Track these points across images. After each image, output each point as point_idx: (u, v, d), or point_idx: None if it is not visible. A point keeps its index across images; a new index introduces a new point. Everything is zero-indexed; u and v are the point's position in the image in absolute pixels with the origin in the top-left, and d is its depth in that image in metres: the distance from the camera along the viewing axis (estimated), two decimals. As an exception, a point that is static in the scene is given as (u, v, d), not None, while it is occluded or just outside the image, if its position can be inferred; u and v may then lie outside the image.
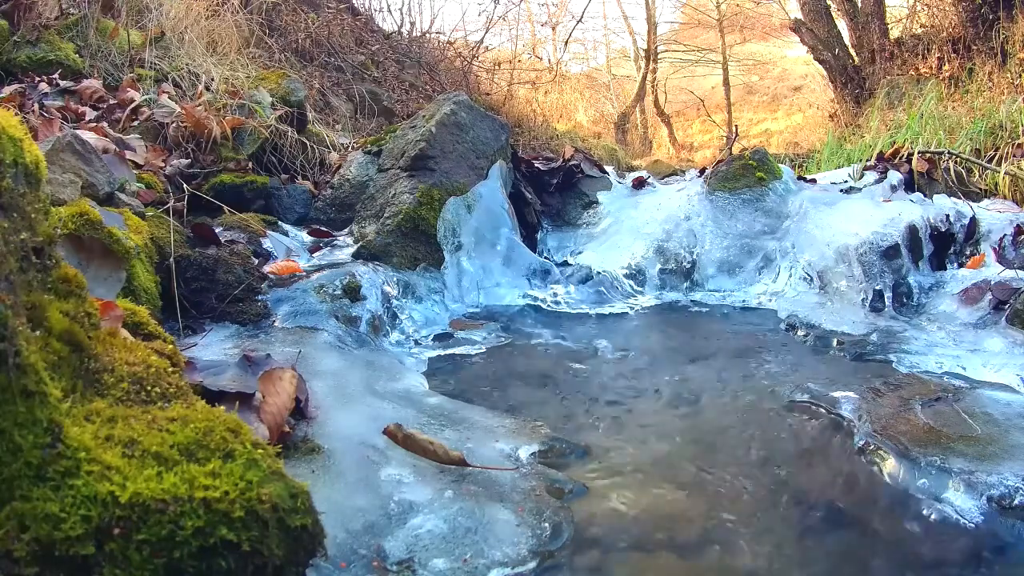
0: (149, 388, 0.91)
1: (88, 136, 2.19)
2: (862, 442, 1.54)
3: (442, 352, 2.17)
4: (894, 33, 8.97)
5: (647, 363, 2.12)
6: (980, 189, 3.44)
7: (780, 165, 3.36)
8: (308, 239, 2.83)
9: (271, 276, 2.22)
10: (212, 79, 3.50)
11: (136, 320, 1.23)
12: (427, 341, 2.27)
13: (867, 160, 3.81)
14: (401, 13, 9.28)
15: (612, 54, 21.71)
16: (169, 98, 3.16)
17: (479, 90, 8.03)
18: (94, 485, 0.70)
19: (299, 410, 1.42)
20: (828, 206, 3.03)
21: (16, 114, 1.72)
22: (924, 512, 1.29)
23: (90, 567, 0.66)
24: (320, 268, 2.39)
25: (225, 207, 2.55)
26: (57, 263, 0.93)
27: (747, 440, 1.61)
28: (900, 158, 3.59)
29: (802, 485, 1.40)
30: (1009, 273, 2.48)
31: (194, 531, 0.71)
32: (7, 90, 2.81)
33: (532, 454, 1.46)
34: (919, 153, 3.53)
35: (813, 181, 3.48)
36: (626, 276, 2.98)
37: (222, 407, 0.91)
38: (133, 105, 3.00)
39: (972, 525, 1.24)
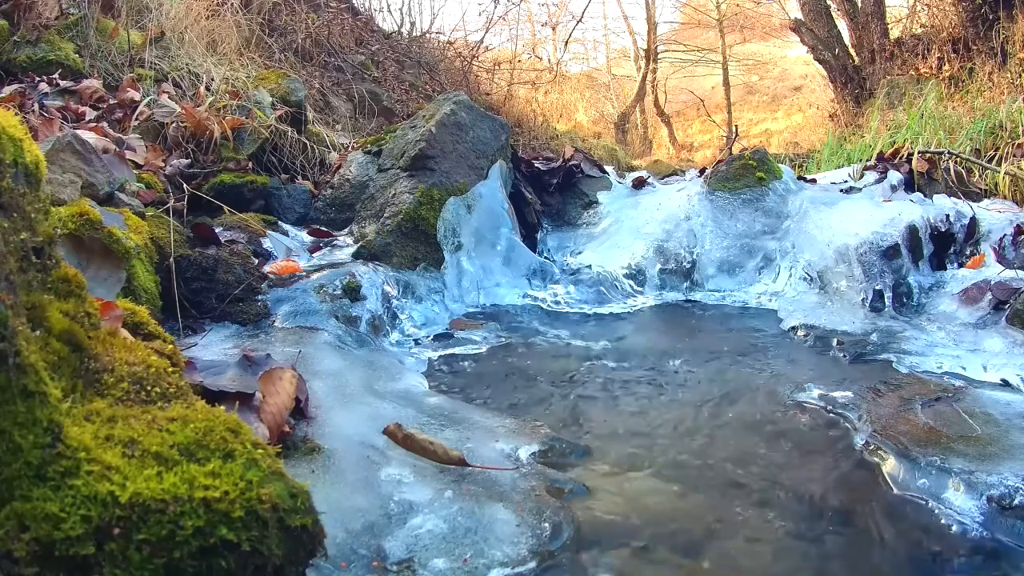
0: (149, 388, 0.91)
1: (88, 136, 2.19)
2: (862, 442, 1.54)
3: (442, 352, 2.17)
4: (894, 33, 8.97)
5: (647, 363, 2.12)
6: (980, 189, 3.44)
7: (780, 165, 3.36)
8: (308, 239, 2.83)
9: (271, 276, 2.22)
10: (212, 79, 3.50)
11: (136, 320, 1.23)
12: (427, 341, 2.27)
13: (867, 160, 3.81)
14: (401, 13, 9.28)
15: (612, 54, 21.73)
16: (169, 98, 3.16)
17: (479, 90, 8.02)
18: (94, 485, 0.70)
19: (299, 410, 1.42)
20: (828, 206, 3.03)
21: (16, 114, 1.72)
22: (924, 512, 1.29)
23: (90, 567, 0.66)
24: (320, 268, 2.39)
25: (225, 207, 2.55)
26: (57, 263, 0.93)
27: (747, 440, 1.61)
28: (900, 158, 3.59)
29: (802, 485, 1.40)
30: (1009, 273, 2.48)
31: (194, 531, 0.71)
32: (7, 90, 2.81)
33: (532, 454, 1.46)
34: (919, 153, 3.53)
35: (813, 181, 3.48)
36: (626, 276, 2.98)
37: (222, 407, 0.91)
38: (134, 106, 3.00)
39: (972, 525, 1.24)
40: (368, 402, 1.59)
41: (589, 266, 3.01)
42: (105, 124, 2.75)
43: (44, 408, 0.71)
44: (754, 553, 1.17)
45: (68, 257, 1.34)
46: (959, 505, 1.28)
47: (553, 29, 16.31)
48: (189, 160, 2.89)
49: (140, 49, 3.68)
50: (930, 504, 1.31)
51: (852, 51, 9.14)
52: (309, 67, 5.67)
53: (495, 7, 9.42)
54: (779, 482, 1.41)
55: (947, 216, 2.86)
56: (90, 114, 2.88)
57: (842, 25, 9.42)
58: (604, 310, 2.75)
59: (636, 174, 3.80)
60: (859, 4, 9.07)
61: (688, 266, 3.00)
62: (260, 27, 5.11)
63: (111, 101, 3.06)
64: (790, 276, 2.86)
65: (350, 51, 6.42)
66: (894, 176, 3.36)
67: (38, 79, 3.07)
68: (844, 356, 2.15)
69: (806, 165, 6.06)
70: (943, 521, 1.26)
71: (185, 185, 2.53)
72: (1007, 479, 1.30)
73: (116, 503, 0.69)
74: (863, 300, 2.58)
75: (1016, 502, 1.25)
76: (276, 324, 1.97)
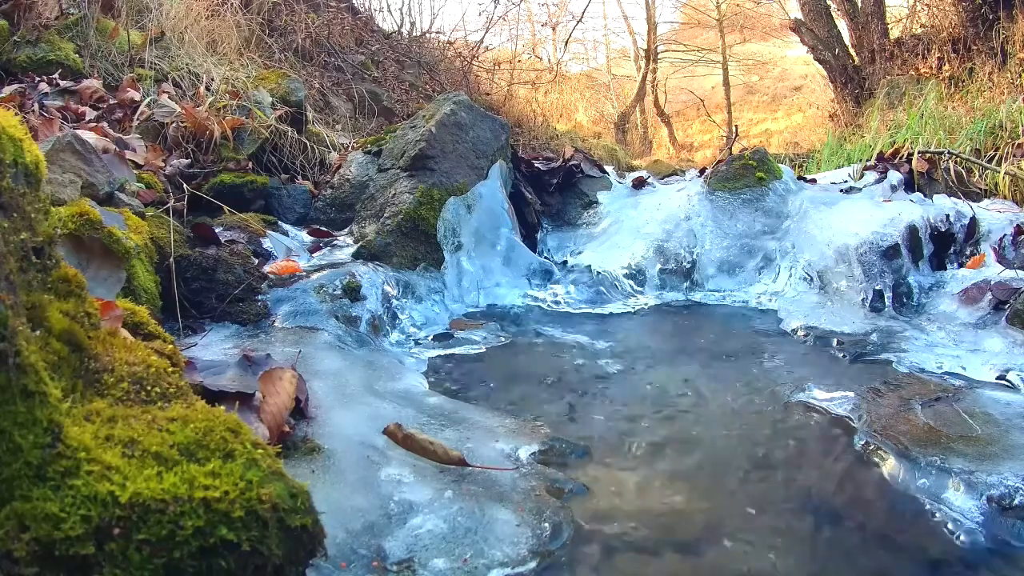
0: (149, 388, 0.91)
1: (88, 136, 2.19)
2: (862, 442, 1.54)
3: (442, 352, 2.17)
4: (894, 33, 8.98)
5: (647, 363, 2.12)
6: (980, 189, 3.44)
7: (780, 165, 3.35)
8: (308, 239, 2.83)
9: (271, 276, 2.22)
10: (212, 79, 3.50)
11: (136, 320, 1.23)
12: (427, 341, 2.27)
13: (867, 160, 3.81)
14: (401, 13, 9.29)
15: (612, 54, 21.73)
16: (169, 98, 3.16)
17: (479, 90, 8.03)
18: (94, 485, 0.70)
19: (299, 410, 1.42)
20: (828, 206, 3.03)
21: (16, 114, 1.72)
22: (924, 512, 1.29)
23: (90, 567, 0.66)
24: (320, 268, 2.39)
25: (225, 207, 2.55)
26: (57, 263, 0.93)
27: (747, 440, 1.61)
28: (900, 158, 3.59)
29: (802, 485, 1.40)
30: (1009, 273, 2.48)
31: (194, 531, 0.71)
32: (7, 90, 2.81)
33: (532, 454, 1.46)
34: (919, 153, 3.53)
35: (813, 181, 3.48)
36: (626, 276, 2.98)
37: (222, 407, 0.91)
38: (134, 106, 3.00)
39: (972, 525, 1.24)
40: (368, 402, 1.59)
41: (589, 266, 3.01)
42: (105, 124, 2.75)
43: (44, 408, 0.71)
44: (754, 553, 1.17)
45: (68, 257, 1.34)
46: (959, 505, 1.28)
47: (553, 29, 16.31)
48: (189, 160, 2.89)
49: (140, 49, 3.68)
50: (930, 504, 1.31)
51: (852, 51, 9.14)
52: (309, 67, 5.67)
53: (495, 7, 9.43)
54: (779, 482, 1.41)
55: (947, 216, 2.86)
56: (90, 114, 2.88)
57: (842, 25, 9.42)
58: (604, 310, 2.74)
59: (636, 174, 3.80)
60: (859, 4, 9.07)
61: (688, 266, 3.00)
62: (260, 27, 5.11)
63: (111, 101, 3.06)
64: (790, 276, 2.86)
65: (350, 51, 6.42)
66: (894, 176, 3.36)
67: (38, 79, 3.07)
68: (844, 356, 2.15)
69: (806, 165, 6.06)
70: (943, 521, 1.26)
71: (185, 185, 2.53)
72: (1007, 479, 1.30)
73: (116, 503, 0.69)
74: (863, 300, 2.58)
75: (1016, 502, 1.25)
76: (276, 324, 1.97)
